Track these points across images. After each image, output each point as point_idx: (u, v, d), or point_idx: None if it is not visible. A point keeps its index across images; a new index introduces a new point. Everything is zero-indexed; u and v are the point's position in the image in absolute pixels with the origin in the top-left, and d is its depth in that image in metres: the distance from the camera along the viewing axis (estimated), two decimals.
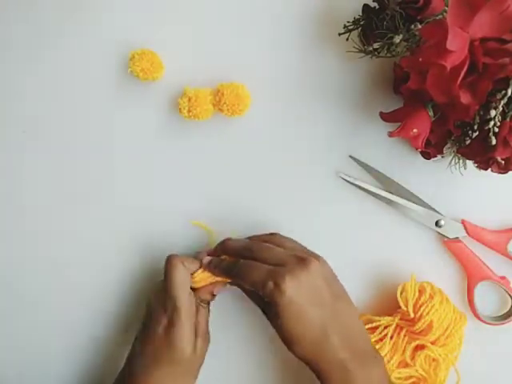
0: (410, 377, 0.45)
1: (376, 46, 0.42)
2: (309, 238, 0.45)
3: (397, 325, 0.45)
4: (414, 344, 0.44)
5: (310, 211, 0.48)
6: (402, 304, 0.44)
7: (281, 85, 0.47)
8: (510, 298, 0.47)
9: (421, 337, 0.44)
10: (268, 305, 0.39)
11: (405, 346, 0.45)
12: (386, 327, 0.45)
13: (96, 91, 0.48)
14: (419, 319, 0.44)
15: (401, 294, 0.45)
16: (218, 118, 0.46)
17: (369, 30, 0.41)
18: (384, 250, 0.48)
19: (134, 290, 0.49)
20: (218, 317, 0.46)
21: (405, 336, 0.45)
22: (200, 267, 0.43)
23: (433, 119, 0.39)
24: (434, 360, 0.45)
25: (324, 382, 0.38)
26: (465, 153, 0.41)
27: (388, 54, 0.42)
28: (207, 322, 0.45)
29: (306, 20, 0.46)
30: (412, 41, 0.40)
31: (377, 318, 0.45)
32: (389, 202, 0.47)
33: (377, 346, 0.44)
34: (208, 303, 0.45)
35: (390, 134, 0.39)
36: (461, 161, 0.43)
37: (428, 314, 0.43)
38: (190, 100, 0.45)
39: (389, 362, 0.44)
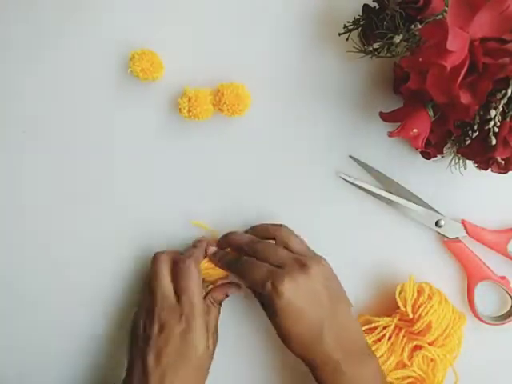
0: (408, 377, 0.45)
1: (376, 46, 0.42)
2: (309, 238, 0.46)
3: (396, 325, 0.45)
4: (412, 344, 0.44)
5: (310, 211, 0.48)
6: (400, 304, 0.44)
7: (281, 85, 0.47)
8: (510, 298, 0.47)
9: (420, 337, 0.44)
10: (267, 303, 0.40)
11: (403, 347, 0.45)
12: (384, 327, 0.45)
13: (96, 91, 0.48)
14: (418, 319, 0.44)
15: (399, 294, 0.45)
16: (218, 117, 0.46)
17: (369, 30, 0.41)
18: (384, 250, 0.48)
19: (134, 290, 0.49)
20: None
21: (404, 336, 0.45)
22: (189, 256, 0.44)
23: (433, 119, 0.39)
24: (431, 360, 0.45)
25: (318, 379, 0.40)
26: (465, 153, 0.41)
27: (388, 54, 0.42)
28: (217, 320, 0.46)
29: (306, 20, 0.46)
30: (412, 41, 0.40)
31: (376, 318, 0.45)
32: (389, 202, 0.47)
33: (375, 347, 0.44)
34: (220, 303, 0.46)
35: (390, 134, 0.39)
36: (461, 161, 0.43)
37: (427, 314, 0.43)
38: (190, 100, 0.45)
39: (386, 362, 0.44)
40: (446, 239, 0.47)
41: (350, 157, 0.47)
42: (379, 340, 0.45)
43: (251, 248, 0.43)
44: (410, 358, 0.45)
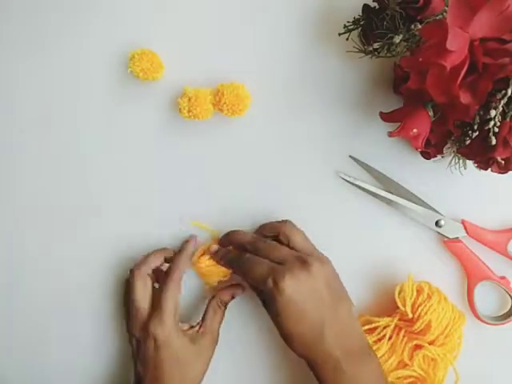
0: (409, 376, 0.45)
1: (376, 46, 0.42)
2: (309, 238, 0.46)
3: (396, 325, 0.45)
4: (412, 344, 0.44)
5: (310, 211, 0.48)
6: (400, 304, 0.44)
7: (281, 85, 0.47)
8: (510, 298, 0.47)
9: (420, 337, 0.44)
10: (268, 300, 0.40)
11: (403, 347, 0.45)
12: (384, 328, 0.45)
13: (96, 91, 0.48)
14: (418, 319, 0.44)
15: (399, 294, 0.45)
16: (218, 117, 0.46)
17: (369, 30, 0.41)
18: (384, 250, 0.48)
19: None
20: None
21: (404, 336, 0.45)
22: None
23: (433, 119, 0.39)
24: (432, 360, 0.45)
25: (319, 378, 0.40)
26: (465, 153, 0.41)
27: (388, 54, 0.42)
28: (220, 322, 0.46)
29: (305, 20, 0.46)
30: (412, 41, 0.40)
31: (376, 318, 0.45)
32: (389, 202, 0.47)
33: (375, 347, 0.44)
34: (225, 305, 0.46)
35: (390, 134, 0.39)
36: (461, 161, 0.43)
37: (426, 313, 0.43)
38: (189, 100, 0.45)
39: (386, 362, 0.44)
40: (445, 239, 0.47)
41: (350, 157, 0.47)
42: (379, 340, 0.45)
43: (253, 246, 0.43)
44: (411, 357, 0.45)
